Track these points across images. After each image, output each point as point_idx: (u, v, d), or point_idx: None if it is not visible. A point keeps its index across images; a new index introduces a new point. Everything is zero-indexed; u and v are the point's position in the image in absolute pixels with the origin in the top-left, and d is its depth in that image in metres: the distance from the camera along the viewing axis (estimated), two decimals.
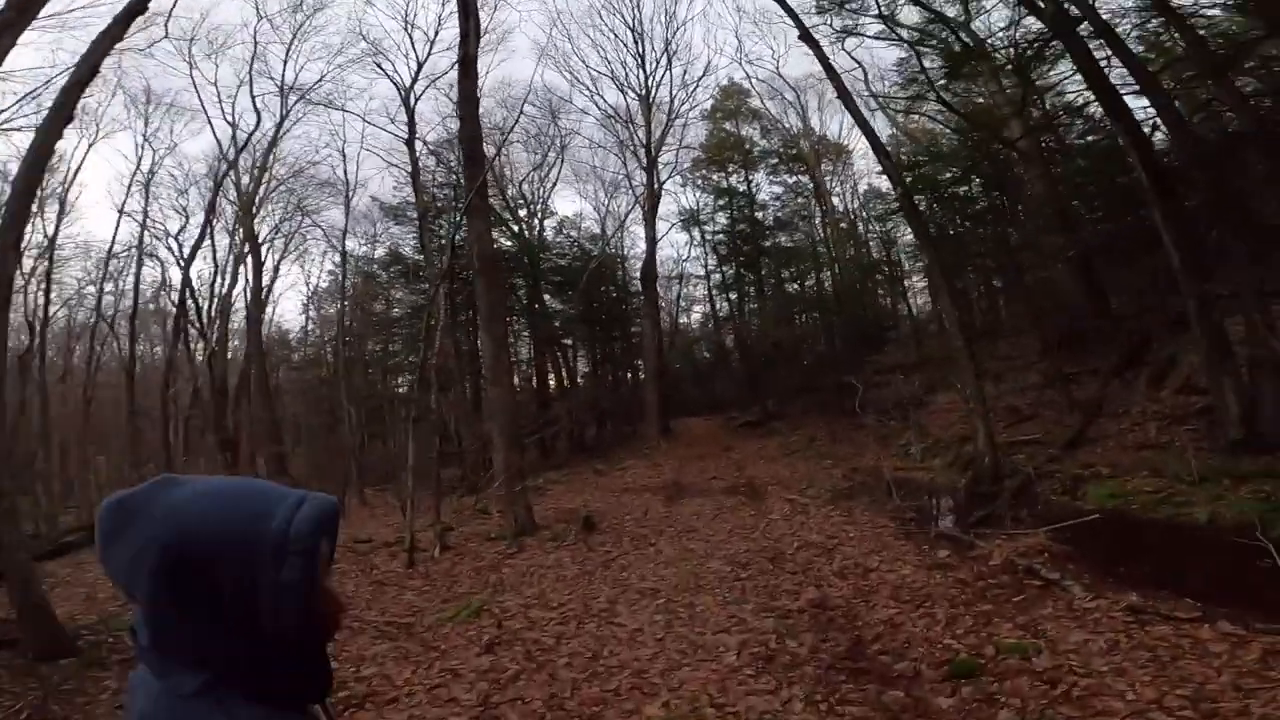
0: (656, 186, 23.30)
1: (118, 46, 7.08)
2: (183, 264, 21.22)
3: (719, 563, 6.62)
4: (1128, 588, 5.09)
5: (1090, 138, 14.61)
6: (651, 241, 22.71)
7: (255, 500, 0.75)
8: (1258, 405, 10.13)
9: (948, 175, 16.04)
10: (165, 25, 12.61)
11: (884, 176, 29.38)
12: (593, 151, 27.52)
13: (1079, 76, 13.54)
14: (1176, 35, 9.74)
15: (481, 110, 11.37)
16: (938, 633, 4.57)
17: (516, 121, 15.00)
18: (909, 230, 27.85)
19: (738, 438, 23.02)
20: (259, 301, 21.08)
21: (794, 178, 27.33)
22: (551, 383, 27.59)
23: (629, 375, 30.61)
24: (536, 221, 27.72)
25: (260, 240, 22.90)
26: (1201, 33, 9.25)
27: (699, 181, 28.96)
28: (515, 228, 25.79)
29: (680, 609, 5.30)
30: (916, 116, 21.94)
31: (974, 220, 17.64)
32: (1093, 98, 13.55)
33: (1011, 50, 13.54)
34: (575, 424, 23.95)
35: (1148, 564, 5.91)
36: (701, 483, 13.32)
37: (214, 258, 22.45)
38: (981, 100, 16.68)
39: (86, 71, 6.53)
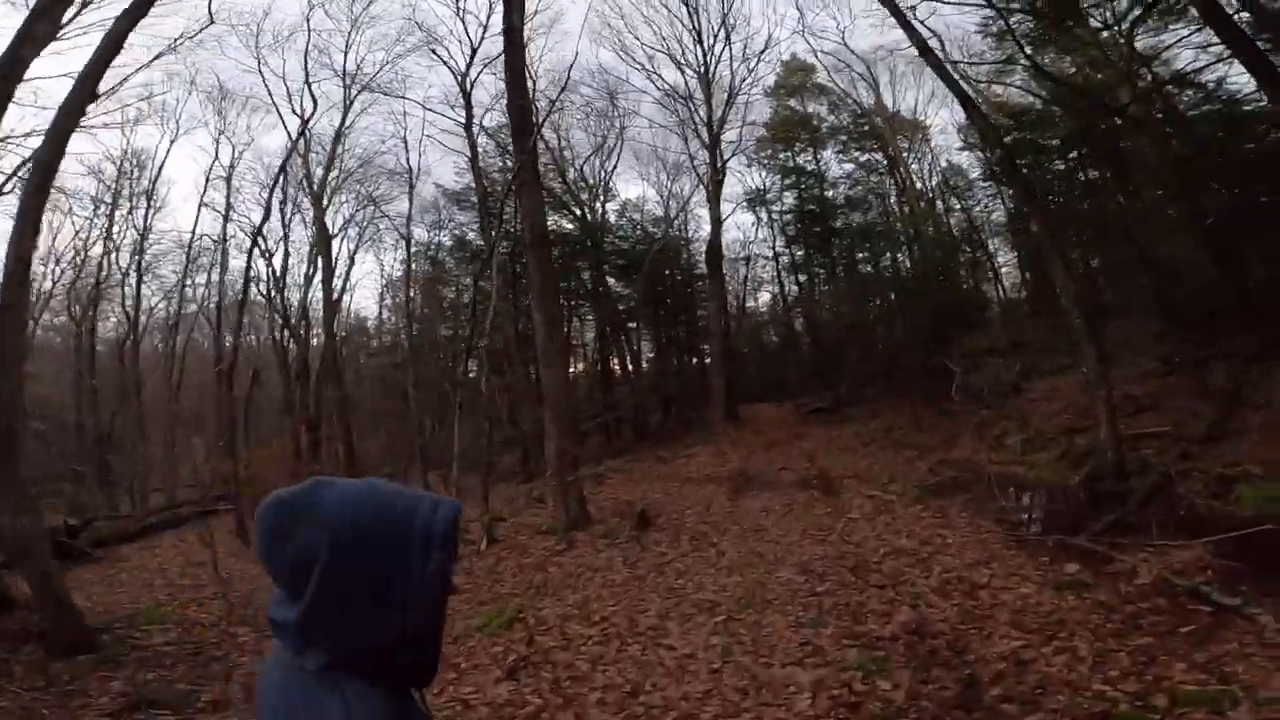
0: (720, 165, 22.00)
1: (174, 38, 6.68)
2: (266, 255, 21.91)
3: (790, 571, 5.62)
4: None
5: (1206, 106, 12.40)
6: (716, 222, 21.50)
7: (402, 501, 0.83)
8: None
9: (1052, 141, 14.05)
10: (209, 11, 12.47)
11: (966, 151, 27.07)
12: (653, 132, 26.47)
13: (1186, 43, 11.53)
14: None
15: (535, 91, 10.65)
16: (1083, 674, 3.45)
17: (564, 87, 14.10)
18: (994, 209, 25.62)
19: (809, 425, 21.62)
20: (330, 290, 21.34)
21: (866, 155, 25.41)
22: (615, 368, 26.96)
23: (694, 360, 29.59)
24: (599, 204, 27.01)
25: (334, 231, 23.32)
26: None
27: (765, 160, 27.43)
28: (577, 210, 25.14)
29: (742, 630, 4.36)
30: (1002, 89, 19.75)
31: (1080, 193, 15.52)
32: (1203, 64, 11.51)
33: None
34: (638, 410, 23.24)
35: None
36: (770, 474, 12.24)
37: (286, 247, 22.99)
38: (1074, 70, 14.57)
39: (109, 48, 6.16)
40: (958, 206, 27.63)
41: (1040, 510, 7.78)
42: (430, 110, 29.78)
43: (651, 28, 29.54)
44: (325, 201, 21.96)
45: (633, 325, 26.97)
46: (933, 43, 9.89)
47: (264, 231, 22.24)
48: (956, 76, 9.35)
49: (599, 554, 6.90)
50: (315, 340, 24.66)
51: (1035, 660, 3.58)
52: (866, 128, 25.09)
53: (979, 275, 26.22)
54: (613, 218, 27.63)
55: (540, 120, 13.50)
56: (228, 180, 21.79)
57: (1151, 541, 5.72)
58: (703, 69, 22.71)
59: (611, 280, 26.98)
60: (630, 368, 25.17)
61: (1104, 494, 8.23)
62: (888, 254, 26.13)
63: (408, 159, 26.87)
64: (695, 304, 28.02)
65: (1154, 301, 15.65)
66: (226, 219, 21.57)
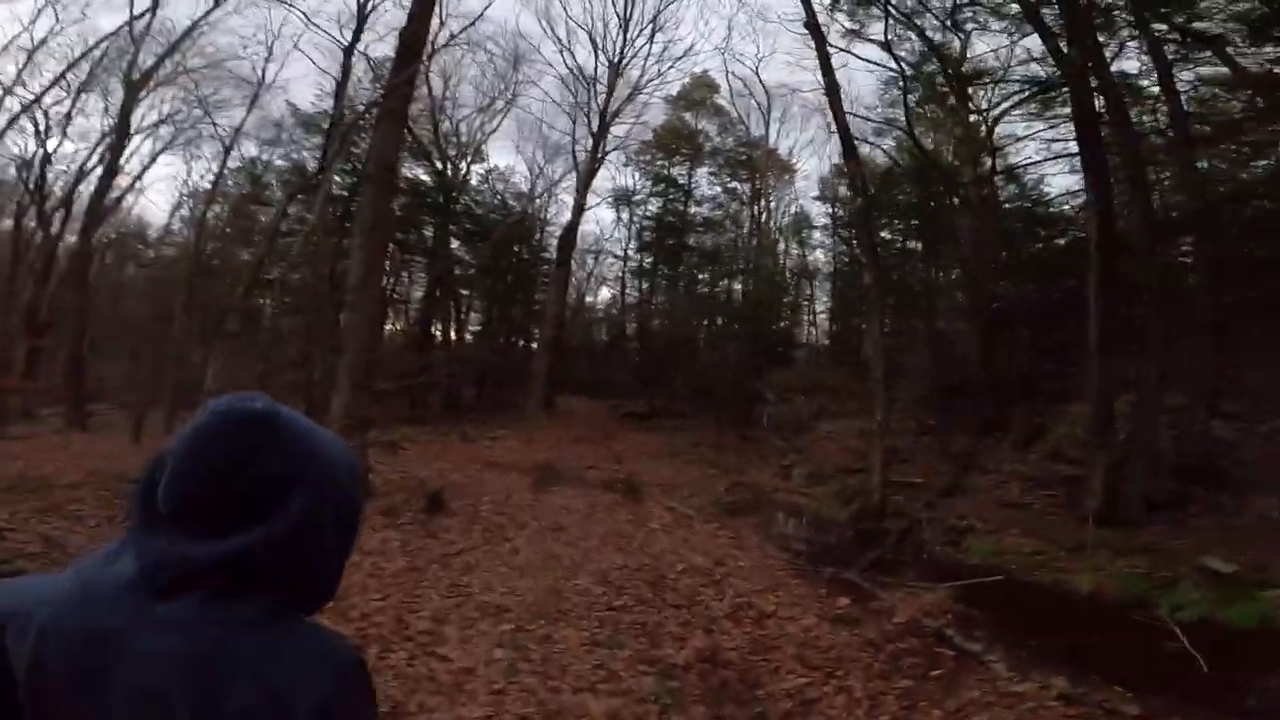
0: (600, 154, 21.54)
1: None
2: (40, 133, 17.03)
3: (589, 579, 5.27)
4: (1048, 666, 4.41)
5: (1023, 202, 14.80)
6: (579, 208, 20.97)
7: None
8: (1123, 484, 10.36)
9: (900, 199, 15.74)
10: None
11: (819, 201, 29.69)
12: (544, 107, 25.34)
13: (1038, 136, 13.65)
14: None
15: (440, 29, 9.28)
16: (859, 717, 3.50)
17: (472, 23, 12.76)
18: (826, 261, 28.32)
19: (621, 428, 21.88)
20: (109, 184, 16.95)
21: (734, 183, 26.67)
22: (438, 334, 25.11)
23: (522, 343, 28.67)
24: (465, 164, 25.05)
25: (142, 126, 18.66)
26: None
27: (642, 164, 27.60)
28: (439, 164, 23.02)
29: (532, 645, 3.88)
30: (868, 150, 21.98)
31: (897, 259, 17.55)
32: (1036, 160, 13.67)
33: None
34: (452, 381, 21.80)
35: (1055, 636, 5.26)
36: (577, 470, 11.96)
37: (65, 130, 18.04)
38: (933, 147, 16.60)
39: None
40: (796, 251, 30.15)
41: (816, 541, 8.36)
42: (313, 25, 25.37)
43: (584, 2, 28.24)
44: (144, 93, 17.49)
45: (465, 293, 25.35)
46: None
47: (44, 106, 17.28)
48: (847, 123, 9.83)
49: (373, 534, 5.96)
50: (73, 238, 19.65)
51: (819, 700, 3.57)
52: (744, 157, 26.24)
53: (797, 317, 28.80)
54: (475, 180, 25.80)
55: (430, 53, 11.96)
56: (31, 52, 16.64)
57: (906, 583, 6.31)
58: (618, 58, 22.06)
59: (457, 243, 25.21)
60: (454, 336, 23.54)
61: (867, 532, 9.12)
62: (726, 280, 27.66)
63: (264, 69, 22.44)
64: (536, 287, 27.23)
65: (925, 371, 18.23)
66: (7, 91, 16.41)
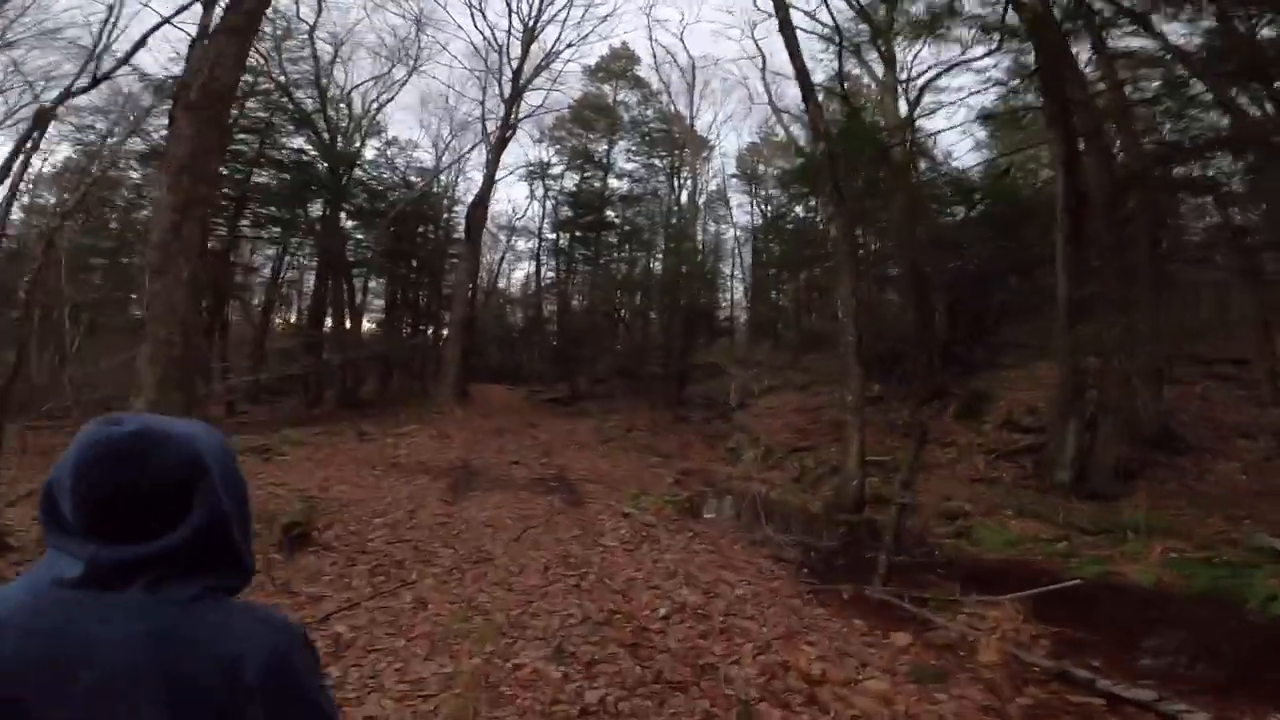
0: (513, 121, 18.97)
1: None
2: None
3: (536, 650, 3.26)
4: (1208, 697, 2.99)
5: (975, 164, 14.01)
6: (489, 180, 18.39)
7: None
8: (1091, 453, 9.56)
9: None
10: None
11: (735, 178, 28.46)
12: (451, 73, 22.33)
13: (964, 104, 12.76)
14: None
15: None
16: None
17: None
18: (743, 236, 27.22)
19: (543, 415, 19.71)
20: None
21: (653, 159, 24.86)
22: (330, 322, 21.77)
23: (429, 330, 25.69)
24: (358, 137, 21.57)
25: None
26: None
27: (557, 139, 25.19)
28: (326, 136, 19.54)
29: None
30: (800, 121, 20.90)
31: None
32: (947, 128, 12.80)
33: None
34: (347, 372, 18.77)
35: (1195, 657, 3.89)
36: (500, 467, 9.80)
37: None
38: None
39: None
40: (712, 228, 28.84)
41: (804, 543, 6.76)
42: None
43: None
44: None
45: (360, 277, 22.10)
46: (756, 61, 8.82)
47: None
48: (804, 63, 8.17)
49: None
50: None
51: None
52: (664, 132, 24.42)
53: (714, 295, 27.60)
54: (370, 154, 22.39)
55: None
56: None
57: (946, 596, 4.79)
58: (533, 20, 19.40)
59: (351, 222, 21.87)
60: (348, 323, 20.35)
61: (854, 525, 7.69)
62: (645, 257, 25.92)
63: (106, 34, 17.84)
64: (444, 271, 24.39)
65: (862, 340, 17.35)
66: None
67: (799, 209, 18.24)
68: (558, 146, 25.36)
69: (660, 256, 24.64)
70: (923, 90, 15.46)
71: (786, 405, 15.61)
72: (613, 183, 24.69)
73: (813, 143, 9.29)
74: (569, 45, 20.40)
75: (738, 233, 26.65)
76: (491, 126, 19.34)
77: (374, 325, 26.77)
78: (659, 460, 11.27)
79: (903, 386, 14.40)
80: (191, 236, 5.10)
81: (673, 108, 23.86)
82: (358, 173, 20.66)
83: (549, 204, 25.53)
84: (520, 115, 19.86)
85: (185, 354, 4.92)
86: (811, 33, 12.24)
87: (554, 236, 25.56)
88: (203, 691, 0.66)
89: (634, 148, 24.92)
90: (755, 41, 19.60)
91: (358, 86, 21.09)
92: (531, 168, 24.49)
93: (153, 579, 0.68)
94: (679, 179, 24.10)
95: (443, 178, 25.29)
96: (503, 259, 29.00)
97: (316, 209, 20.56)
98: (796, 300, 24.04)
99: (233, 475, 0.75)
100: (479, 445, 12.05)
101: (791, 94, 19.38)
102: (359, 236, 22.45)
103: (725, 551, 5.70)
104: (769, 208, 25.77)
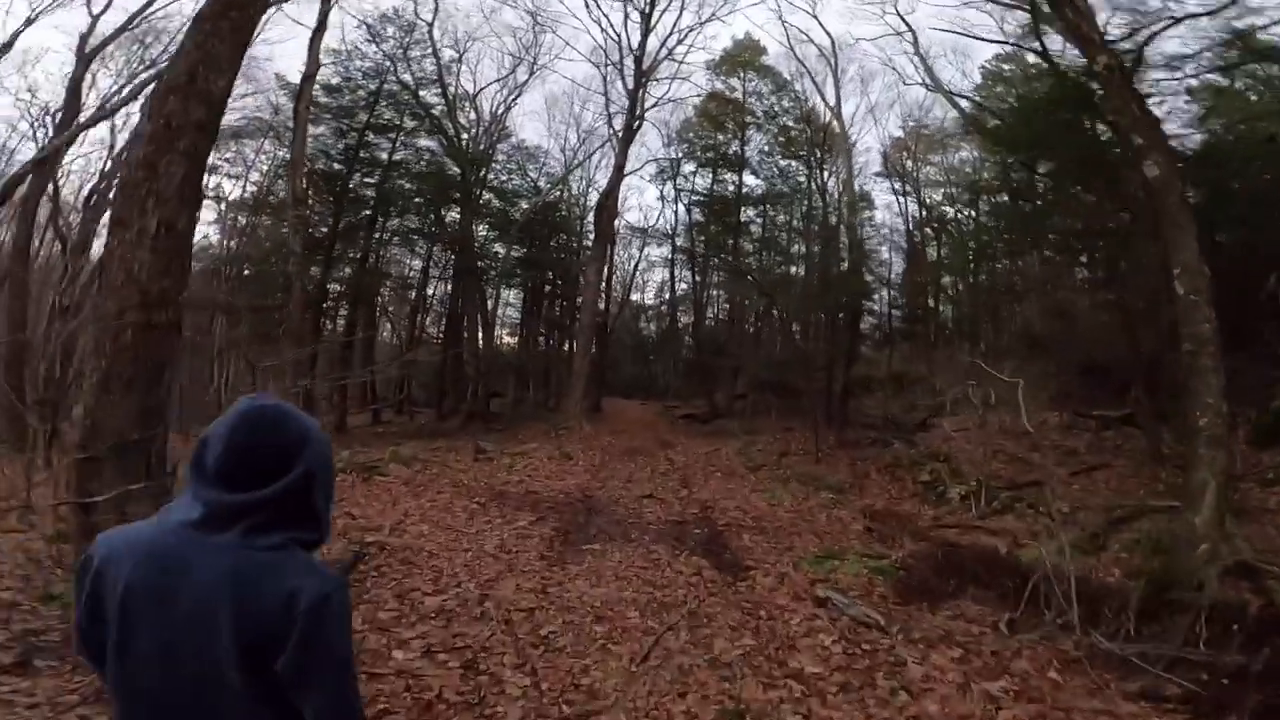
0: (639, 110, 17.19)
1: None
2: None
3: None
4: None
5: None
6: (619, 171, 16.58)
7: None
8: None
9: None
10: None
11: (882, 178, 24.54)
12: (574, 71, 21.43)
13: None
14: None
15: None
16: None
17: None
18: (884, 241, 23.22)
19: (680, 433, 17.39)
20: (47, 167, 13.49)
21: (787, 160, 21.93)
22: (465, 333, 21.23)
23: (561, 344, 24.60)
24: (486, 141, 21.03)
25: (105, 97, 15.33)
26: None
27: (687, 138, 23.20)
28: (456, 136, 19.10)
29: None
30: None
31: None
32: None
33: None
34: (477, 385, 17.82)
35: None
36: (628, 501, 7.55)
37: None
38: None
39: None
40: (865, 233, 25.05)
41: (1179, 657, 3.62)
42: None
43: None
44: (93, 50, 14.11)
45: (491, 284, 21.40)
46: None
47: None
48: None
49: None
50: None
51: None
52: (798, 130, 21.46)
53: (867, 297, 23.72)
54: (499, 159, 21.75)
55: None
56: None
57: None
58: (648, 5, 17.64)
59: (484, 231, 21.33)
60: (480, 333, 19.57)
61: (1181, 604, 4.39)
62: (784, 260, 22.88)
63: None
64: (576, 279, 23.25)
65: (1066, 356, 13.10)
66: None
67: (1018, 173, 13.83)
68: (687, 146, 23.30)
69: (804, 259, 21.53)
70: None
71: (989, 425, 11.88)
72: (749, 180, 22.05)
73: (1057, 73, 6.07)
74: (690, 29, 18.14)
75: (892, 227, 22.71)
76: (617, 123, 17.67)
77: (510, 337, 26.37)
78: (831, 497, 8.39)
79: (1150, 401, 10.27)
80: (172, 177, 3.34)
81: (809, 99, 20.70)
82: (489, 179, 19.93)
83: (680, 207, 23.42)
84: (646, 106, 17.95)
85: (146, 343, 3.13)
86: None
87: (688, 239, 23.33)
88: (264, 617, 0.85)
89: (768, 145, 22.17)
90: (901, 16, 16.00)
91: (483, 89, 20.53)
92: (661, 164, 22.51)
93: (249, 525, 0.89)
94: (821, 174, 20.78)
95: (574, 185, 24.24)
96: (636, 268, 27.36)
97: (453, 216, 20.19)
98: (975, 301, 19.72)
99: (325, 455, 0.98)
100: (605, 469, 9.95)
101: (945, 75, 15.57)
102: (494, 246, 21.93)
103: (1032, 679, 2.86)
104: (931, 198, 21.70)
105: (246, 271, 18.31)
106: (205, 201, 19.48)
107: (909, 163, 23.06)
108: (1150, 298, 11.21)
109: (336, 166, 17.65)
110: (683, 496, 8.04)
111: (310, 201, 16.36)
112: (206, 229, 19.65)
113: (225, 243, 20.39)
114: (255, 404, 0.95)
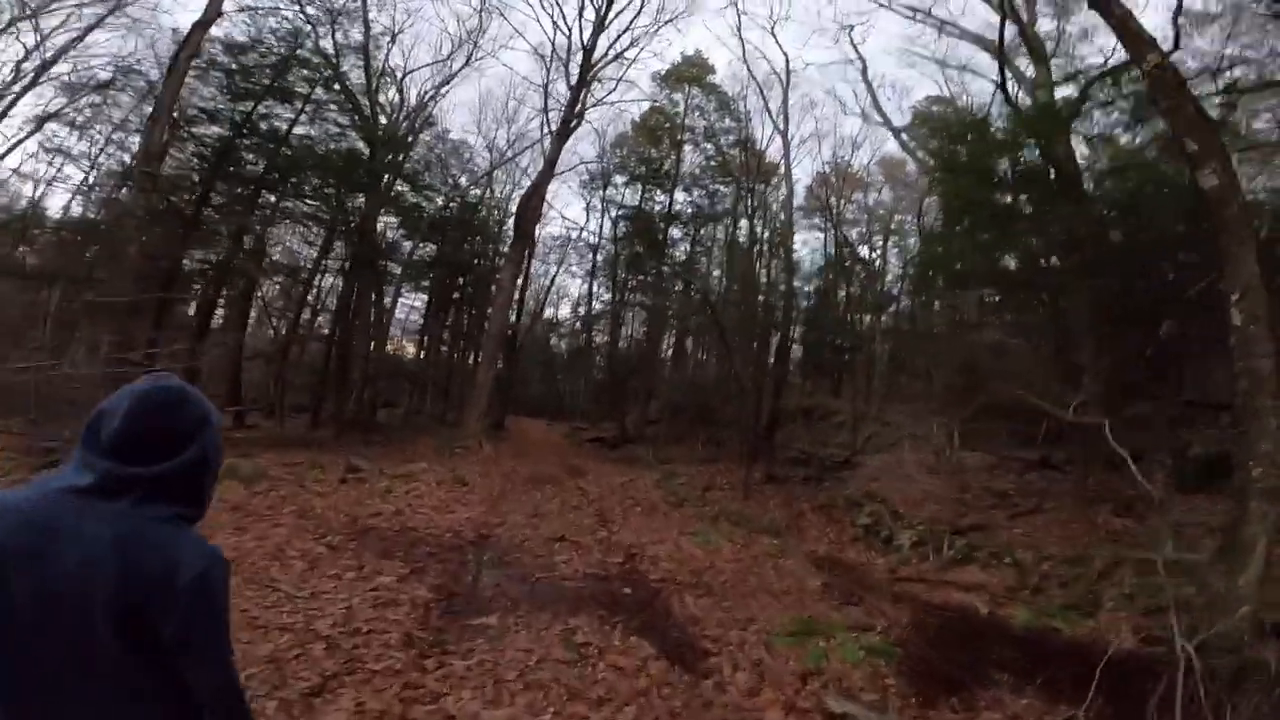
0: (580, 108, 15.75)
1: None
2: None
3: None
4: None
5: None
6: (550, 167, 14.96)
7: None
8: None
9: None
10: None
11: (803, 214, 24.72)
12: (511, 71, 19.80)
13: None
14: None
15: None
16: None
17: None
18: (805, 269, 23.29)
19: (589, 458, 15.79)
20: None
21: (716, 186, 21.44)
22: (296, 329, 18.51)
23: (461, 352, 22.37)
24: (408, 127, 18.67)
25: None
26: None
27: (623, 151, 22.15)
28: (374, 114, 16.70)
29: None
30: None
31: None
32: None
33: None
34: (365, 389, 15.37)
35: None
36: (535, 545, 5.88)
37: None
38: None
39: None
40: (779, 260, 24.94)
41: None
42: None
43: None
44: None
45: (392, 283, 18.93)
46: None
47: None
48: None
49: None
50: None
51: None
52: (733, 155, 20.99)
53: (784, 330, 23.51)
54: (419, 152, 19.35)
55: None
56: None
57: None
58: (604, 6, 16.31)
59: (391, 224, 18.86)
60: (372, 335, 17.05)
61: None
62: (706, 281, 22.19)
63: None
64: (486, 286, 21.26)
65: (981, 396, 13.00)
66: None
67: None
68: (620, 158, 22.28)
69: (728, 281, 20.93)
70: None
71: (911, 464, 11.30)
72: (679, 198, 21.27)
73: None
74: (645, 30, 17.22)
75: (811, 260, 22.79)
76: (554, 119, 16.20)
77: (410, 346, 23.69)
78: (773, 543, 7.13)
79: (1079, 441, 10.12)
80: None
81: (750, 121, 20.37)
82: (404, 166, 17.63)
83: (606, 220, 22.23)
84: (587, 105, 16.65)
85: None
86: None
87: (611, 256, 22.11)
88: (145, 583, 0.87)
89: (702, 165, 21.61)
90: (854, 44, 16.13)
91: (412, 71, 18.45)
92: (592, 170, 21.23)
93: (140, 496, 0.91)
94: (751, 199, 20.40)
95: (497, 189, 22.37)
96: (552, 282, 25.69)
97: (358, 205, 17.60)
98: (896, 338, 19.81)
99: (219, 440, 1.02)
100: (506, 500, 8.17)
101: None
102: (402, 244, 19.49)
103: None
104: (855, 232, 21.94)
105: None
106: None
107: (832, 198, 23.29)
108: (1061, 340, 11.27)
109: (220, 132, 14.79)
110: (602, 539, 6.48)
111: (169, 163, 13.47)
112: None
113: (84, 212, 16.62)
114: (159, 384, 0.98)
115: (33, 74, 13.50)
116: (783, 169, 18.93)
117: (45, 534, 0.86)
